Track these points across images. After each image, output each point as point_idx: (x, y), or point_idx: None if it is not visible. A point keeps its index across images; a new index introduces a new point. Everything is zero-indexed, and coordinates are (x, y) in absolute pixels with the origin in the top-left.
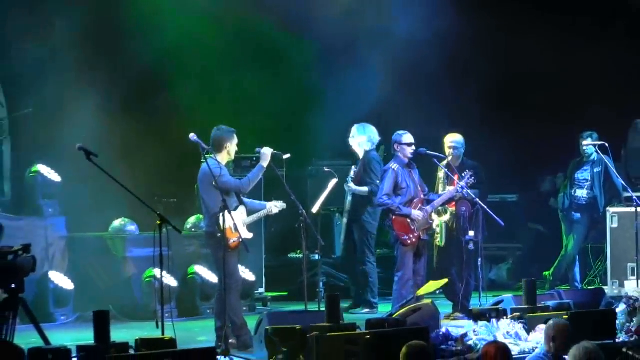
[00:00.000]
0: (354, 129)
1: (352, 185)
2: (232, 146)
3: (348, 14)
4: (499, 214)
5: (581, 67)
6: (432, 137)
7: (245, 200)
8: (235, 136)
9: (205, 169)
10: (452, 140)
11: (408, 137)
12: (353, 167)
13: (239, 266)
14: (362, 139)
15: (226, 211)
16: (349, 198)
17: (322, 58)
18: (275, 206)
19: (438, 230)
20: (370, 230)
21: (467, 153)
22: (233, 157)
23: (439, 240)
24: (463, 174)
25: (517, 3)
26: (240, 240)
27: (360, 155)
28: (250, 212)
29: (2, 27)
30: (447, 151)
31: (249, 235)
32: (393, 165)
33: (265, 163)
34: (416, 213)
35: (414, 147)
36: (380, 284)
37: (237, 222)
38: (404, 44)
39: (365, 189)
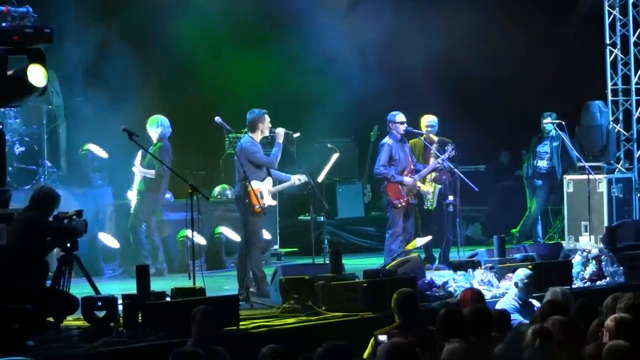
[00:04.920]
0: (149, 120)
1: (140, 167)
2: (264, 125)
3: None
4: (472, 182)
5: (540, 64)
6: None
7: (273, 171)
8: (266, 116)
9: (241, 146)
10: (428, 120)
11: (400, 117)
12: (140, 151)
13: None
14: (155, 128)
15: (254, 181)
16: (138, 179)
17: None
18: (298, 179)
19: (430, 196)
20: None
21: (443, 133)
22: (267, 134)
23: (431, 204)
24: (446, 148)
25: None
26: (264, 206)
27: (155, 140)
28: (276, 183)
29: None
30: (424, 129)
31: (273, 202)
32: (388, 140)
33: (280, 140)
34: (407, 180)
35: (405, 125)
36: (374, 240)
37: (263, 191)
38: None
39: (152, 171)
